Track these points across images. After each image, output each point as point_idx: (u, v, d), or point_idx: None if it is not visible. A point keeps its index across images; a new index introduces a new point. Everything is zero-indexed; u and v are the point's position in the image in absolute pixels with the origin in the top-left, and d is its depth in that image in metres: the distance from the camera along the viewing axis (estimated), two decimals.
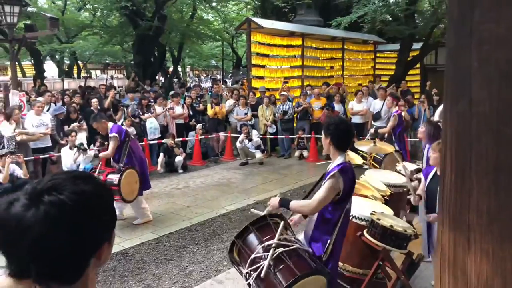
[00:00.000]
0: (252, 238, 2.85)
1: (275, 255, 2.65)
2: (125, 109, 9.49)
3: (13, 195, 0.88)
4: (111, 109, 9.23)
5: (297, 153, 10.29)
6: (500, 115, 1.17)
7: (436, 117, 7.53)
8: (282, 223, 2.83)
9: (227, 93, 11.70)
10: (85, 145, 7.36)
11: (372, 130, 8.16)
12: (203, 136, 9.97)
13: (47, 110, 8.34)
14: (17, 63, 14.63)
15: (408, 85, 13.85)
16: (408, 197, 4.64)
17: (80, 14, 21.42)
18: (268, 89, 11.70)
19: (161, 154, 8.93)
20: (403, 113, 7.99)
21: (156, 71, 18.95)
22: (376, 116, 9.19)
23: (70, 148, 7.14)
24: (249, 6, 23.14)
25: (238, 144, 9.66)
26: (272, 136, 10.56)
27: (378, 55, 16.52)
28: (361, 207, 3.69)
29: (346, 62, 14.75)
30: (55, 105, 9.18)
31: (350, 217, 3.22)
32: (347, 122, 3.23)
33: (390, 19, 15.57)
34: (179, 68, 27.05)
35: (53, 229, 0.84)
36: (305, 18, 15.03)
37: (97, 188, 0.93)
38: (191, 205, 6.74)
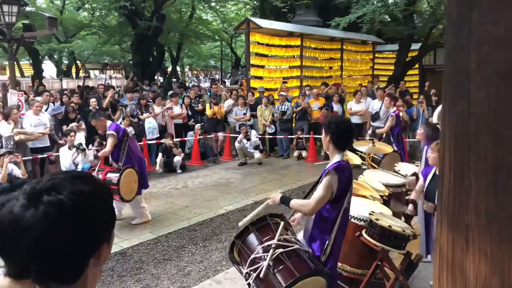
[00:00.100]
0: (252, 238, 2.84)
1: (274, 255, 2.65)
2: (123, 109, 9.47)
3: (12, 195, 0.88)
4: (110, 109, 9.21)
5: (295, 153, 10.28)
6: (498, 116, 1.17)
7: (434, 119, 7.56)
8: (282, 223, 2.83)
9: (226, 93, 11.67)
10: (84, 145, 7.36)
11: (370, 131, 8.17)
12: (201, 136, 9.96)
13: (46, 110, 8.32)
14: (15, 62, 14.59)
15: (407, 85, 13.84)
16: (407, 197, 4.66)
17: (78, 14, 21.41)
18: (267, 89, 11.70)
19: (160, 154, 8.91)
20: (401, 114, 8.00)
21: (155, 71, 18.91)
22: (375, 116, 9.21)
23: (69, 148, 7.14)
24: (248, 6, 23.12)
25: (236, 144, 9.65)
26: (271, 136, 10.55)
27: (376, 55, 16.53)
28: (359, 207, 3.70)
29: (345, 63, 14.76)
30: (54, 104, 9.18)
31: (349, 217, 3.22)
32: (348, 122, 3.21)
33: (389, 19, 15.60)
34: (178, 68, 27.00)
35: (53, 229, 0.84)
36: (304, 18, 15.03)
37: (96, 188, 0.93)
38: (190, 205, 6.74)
